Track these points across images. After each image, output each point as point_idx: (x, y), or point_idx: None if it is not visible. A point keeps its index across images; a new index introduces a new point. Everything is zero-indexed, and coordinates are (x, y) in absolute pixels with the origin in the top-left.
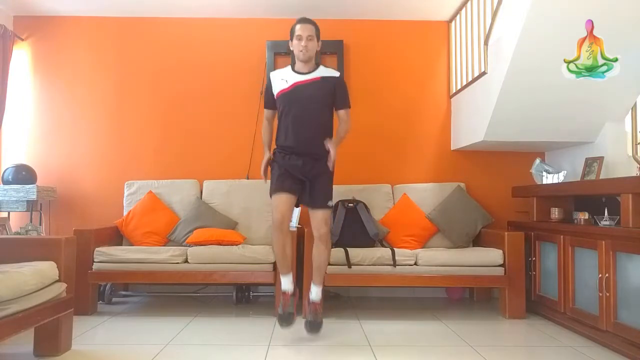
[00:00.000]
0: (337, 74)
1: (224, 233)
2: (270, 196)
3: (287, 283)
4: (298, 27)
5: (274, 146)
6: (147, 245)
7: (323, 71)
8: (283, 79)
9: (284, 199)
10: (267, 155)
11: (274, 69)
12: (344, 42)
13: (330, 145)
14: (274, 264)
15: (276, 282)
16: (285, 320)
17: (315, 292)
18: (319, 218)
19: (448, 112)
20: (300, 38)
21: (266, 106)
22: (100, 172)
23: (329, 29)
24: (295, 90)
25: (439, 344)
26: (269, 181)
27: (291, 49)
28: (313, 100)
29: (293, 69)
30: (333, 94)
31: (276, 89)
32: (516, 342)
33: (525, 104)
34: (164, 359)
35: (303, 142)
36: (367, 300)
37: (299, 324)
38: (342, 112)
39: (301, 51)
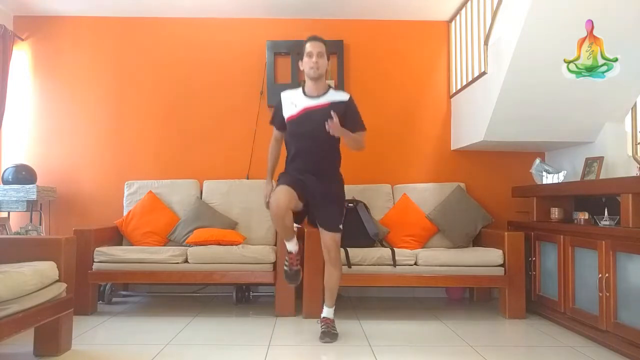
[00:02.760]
0: (346, 97)
1: (223, 233)
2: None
3: (291, 245)
4: (308, 44)
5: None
6: (147, 245)
7: (332, 95)
8: (293, 102)
9: (284, 189)
10: (268, 187)
11: (274, 69)
12: (344, 42)
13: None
14: (274, 264)
15: (276, 283)
16: (293, 277)
17: (327, 312)
18: (329, 241)
19: (448, 112)
20: (310, 55)
21: (275, 125)
22: (100, 172)
23: (329, 29)
24: (303, 117)
25: (439, 344)
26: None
27: (301, 68)
28: (322, 128)
29: (304, 92)
30: (344, 118)
31: (286, 113)
32: (516, 342)
33: (526, 104)
34: (164, 359)
35: (312, 166)
36: (367, 300)
37: (300, 324)
38: (357, 134)
39: (312, 68)
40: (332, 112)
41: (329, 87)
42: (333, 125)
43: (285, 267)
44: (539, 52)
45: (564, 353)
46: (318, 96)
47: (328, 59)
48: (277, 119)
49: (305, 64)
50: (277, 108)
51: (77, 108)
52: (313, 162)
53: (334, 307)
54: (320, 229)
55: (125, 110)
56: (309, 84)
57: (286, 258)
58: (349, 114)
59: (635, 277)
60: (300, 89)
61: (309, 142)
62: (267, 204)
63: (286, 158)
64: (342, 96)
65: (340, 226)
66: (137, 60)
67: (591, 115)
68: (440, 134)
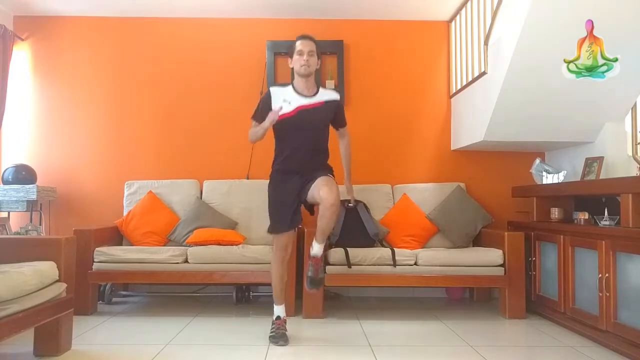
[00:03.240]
0: (337, 96)
1: (223, 233)
2: (269, 232)
3: (280, 311)
4: (299, 42)
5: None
6: (147, 245)
7: (324, 94)
8: (285, 100)
9: (284, 236)
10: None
11: (274, 69)
12: (344, 42)
13: (349, 190)
14: None
15: None
16: (281, 338)
17: (316, 248)
18: (323, 186)
19: (448, 112)
20: (301, 53)
21: (257, 120)
22: (100, 172)
23: (329, 29)
24: (298, 116)
25: (439, 344)
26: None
27: (290, 66)
28: (317, 126)
29: (295, 89)
30: (333, 116)
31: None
32: (516, 342)
33: (525, 104)
34: (164, 359)
35: (304, 164)
36: (367, 300)
37: (300, 324)
38: (341, 129)
39: (302, 66)
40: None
41: (318, 85)
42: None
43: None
44: (539, 52)
45: (564, 353)
46: (311, 95)
47: (318, 58)
48: (261, 114)
49: (296, 62)
50: (265, 103)
51: (77, 108)
52: (305, 160)
53: (323, 244)
54: (313, 187)
55: (125, 110)
56: (299, 81)
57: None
58: (339, 113)
59: (635, 277)
60: (290, 87)
61: (303, 140)
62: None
63: (276, 156)
64: (334, 95)
65: (330, 174)
66: (137, 60)
67: (591, 115)
68: (440, 134)
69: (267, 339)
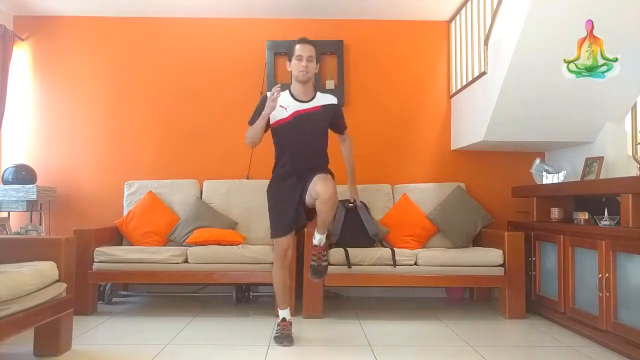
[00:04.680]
0: (335, 100)
1: (223, 233)
2: (271, 237)
3: (285, 314)
4: (298, 47)
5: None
6: (147, 245)
7: (322, 99)
8: (282, 106)
9: (284, 240)
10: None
11: (274, 69)
12: (344, 42)
13: (354, 192)
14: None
15: None
16: (285, 339)
17: (318, 238)
18: (319, 183)
19: (448, 112)
20: (300, 58)
21: (252, 124)
22: (100, 172)
23: (329, 29)
24: (295, 121)
25: (439, 344)
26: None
27: (289, 69)
28: (314, 131)
29: (291, 94)
30: (331, 121)
31: (274, 116)
32: (516, 342)
33: (525, 104)
34: (164, 359)
35: (302, 168)
36: (367, 300)
37: (300, 324)
38: (343, 135)
39: (301, 72)
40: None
41: (316, 90)
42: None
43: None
44: (539, 52)
45: (564, 353)
46: (308, 100)
47: (318, 62)
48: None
49: (294, 67)
50: (261, 107)
51: (77, 108)
52: (304, 165)
53: (325, 234)
54: (310, 185)
55: (125, 110)
56: (296, 86)
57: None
58: (337, 117)
59: (635, 277)
60: (287, 92)
61: (300, 145)
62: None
63: (275, 163)
64: (331, 99)
65: (329, 172)
66: (137, 60)
67: (591, 115)
68: (440, 134)
69: (267, 339)
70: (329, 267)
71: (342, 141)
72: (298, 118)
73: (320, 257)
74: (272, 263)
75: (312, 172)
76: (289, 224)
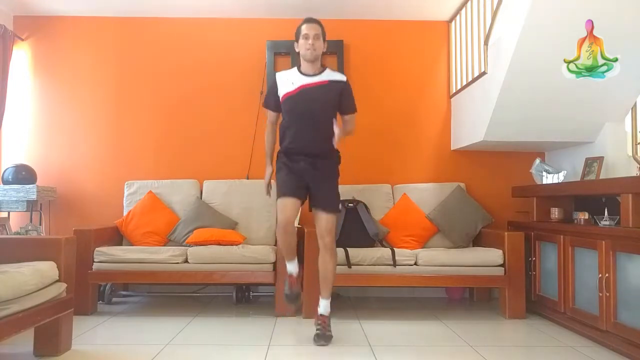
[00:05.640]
0: (344, 78)
1: (223, 233)
2: (277, 197)
3: (292, 266)
4: (304, 26)
5: (276, 150)
6: (147, 245)
7: (330, 74)
8: (289, 80)
9: (289, 202)
10: (269, 170)
11: (274, 69)
12: (344, 42)
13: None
14: (274, 264)
15: (276, 283)
16: (293, 299)
17: (323, 306)
18: (323, 224)
19: (448, 112)
20: (307, 37)
21: (270, 107)
22: (100, 172)
23: (329, 29)
24: (302, 93)
25: (439, 344)
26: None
27: (297, 50)
28: (320, 104)
29: (299, 71)
30: (339, 98)
31: (282, 91)
32: (516, 342)
33: (525, 104)
34: (164, 359)
35: (309, 144)
36: (367, 300)
37: (300, 324)
38: (347, 116)
39: (308, 49)
40: (335, 127)
41: (325, 67)
42: (337, 136)
43: (286, 290)
44: (539, 52)
45: (564, 353)
46: (315, 74)
47: (324, 41)
48: (271, 100)
49: (301, 46)
50: (272, 88)
51: (77, 108)
52: (310, 141)
53: (330, 299)
54: (316, 211)
55: (125, 110)
56: (304, 64)
57: (286, 280)
58: (345, 96)
59: (635, 277)
60: (295, 69)
61: (306, 119)
62: (268, 190)
63: (281, 134)
64: (340, 77)
65: (339, 207)
66: (137, 60)
67: (591, 115)
68: (440, 134)
69: (267, 339)
70: None
71: (344, 123)
72: (304, 90)
73: (325, 327)
74: (272, 263)
75: (320, 172)
76: (294, 187)
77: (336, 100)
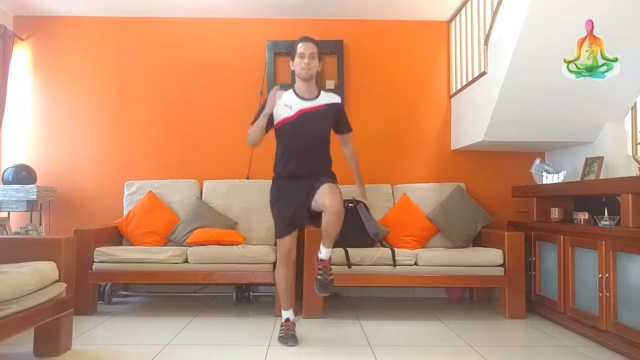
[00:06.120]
0: (339, 99)
1: (224, 233)
2: (275, 237)
3: (289, 314)
4: (300, 45)
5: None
6: (147, 245)
7: (326, 97)
8: (287, 105)
9: (288, 239)
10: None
11: (274, 69)
12: (344, 42)
13: (363, 193)
14: (274, 264)
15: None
16: (290, 339)
17: (324, 253)
18: (328, 195)
19: (448, 112)
20: (302, 56)
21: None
22: (100, 172)
23: (329, 29)
24: (300, 119)
25: (439, 344)
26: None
27: (291, 68)
28: (319, 130)
29: (296, 93)
30: (336, 120)
31: (278, 115)
32: (516, 342)
33: (525, 104)
34: (164, 359)
35: (305, 169)
36: (367, 300)
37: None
38: (346, 135)
39: (303, 69)
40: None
41: (319, 88)
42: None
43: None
44: (538, 52)
45: (564, 353)
46: (312, 98)
47: (320, 60)
48: (261, 117)
49: (297, 65)
50: (264, 107)
51: (77, 108)
52: (307, 163)
53: (331, 247)
54: (317, 194)
55: (125, 110)
56: (300, 84)
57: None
58: (341, 117)
59: (635, 277)
60: (291, 91)
61: (305, 144)
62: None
63: (277, 161)
64: (335, 98)
65: (334, 180)
66: (137, 60)
67: (591, 115)
68: (440, 134)
69: (267, 339)
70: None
71: (343, 144)
72: (303, 117)
73: (326, 271)
74: (272, 263)
75: (317, 177)
76: (289, 222)
77: (332, 122)
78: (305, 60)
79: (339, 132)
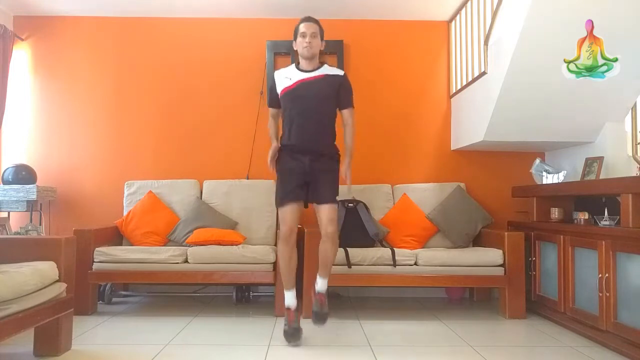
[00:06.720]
0: (341, 72)
1: (224, 233)
2: (276, 206)
3: (291, 298)
4: (302, 25)
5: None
6: (147, 245)
7: (327, 69)
8: (287, 77)
9: (290, 210)
10: (274, 144)
11: (274, 69)
12: (344, 42)
13: (345, 169)
14: (274, 263)
15: (276, 283)
16: (293, 335)
17: (320, 284)
18: (325, 216)
19: (448, 112)
20: (304, 35)
21: (271, 105)
22: (100, 172)
23: (329, 29)
24: (299, 88)
25: (439, 344)
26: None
27: (294, 48)
28: (317, 98)
29: (297, 67)
30: (337, 92)
31: (280, 86)
32: (516, 342)
33: (525, 104)
34: (164, 359)
35: (308, 140)
36: (367, 300)
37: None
38: (345, 112)
39: (305, 47)
40: (345, 176)
41: (324, 63)
42: (346, 178)
43: (285, 326)
44: (539, 52)
45: (564, 353)
46: (312, 70)
47: (322, 40)
48: (273, 98)
49: (299, 44)
50: (272, 87)
51: (77, 108)
52: (310, 136)
53: (328, 278)
54: (317, 205)
55: (125, 110)
56: (302, 61)
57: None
58: (343, 90)
59: (635, 277)
60: (293, 65)
61: (305, 112)
62: (271, 162)
63: (283, 130)
64: (338, 71)
65: (336, 198)
66: (137, 60)
67: (591, 115)
68: (440, 134)
69: (267, 339)
70: None
71: (344, 124)
72: (301, 84)
73: (322, 304)
74: (272, 263)
75: (320, 171)
76: (294, 192)
77: (334, 94)
78: (307, 39)
79: (340, 106)
